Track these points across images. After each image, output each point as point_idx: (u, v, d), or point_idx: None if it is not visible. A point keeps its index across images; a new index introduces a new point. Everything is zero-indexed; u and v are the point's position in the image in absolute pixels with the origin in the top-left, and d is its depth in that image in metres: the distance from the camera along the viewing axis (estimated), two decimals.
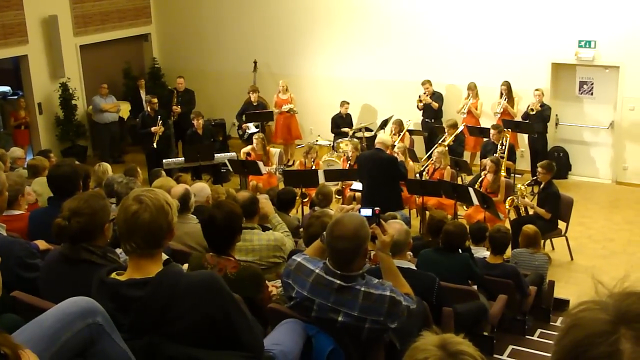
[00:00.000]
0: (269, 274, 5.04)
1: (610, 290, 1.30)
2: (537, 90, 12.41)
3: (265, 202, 6.05)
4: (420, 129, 13.56)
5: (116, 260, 3.45)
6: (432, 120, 13.39)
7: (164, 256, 2.91)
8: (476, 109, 13.15)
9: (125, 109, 15.37)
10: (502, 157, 11.13)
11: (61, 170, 5.31)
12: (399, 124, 12.59)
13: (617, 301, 1.27)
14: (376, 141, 9.63)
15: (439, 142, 12.03)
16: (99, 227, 3.44)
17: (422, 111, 13.52)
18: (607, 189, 12.93)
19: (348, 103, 13.91)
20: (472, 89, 13.13)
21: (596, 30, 12.37)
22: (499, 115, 12.77)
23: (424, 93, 13.32)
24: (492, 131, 11.64)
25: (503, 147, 11.47)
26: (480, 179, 10.50)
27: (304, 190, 10.42)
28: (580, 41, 12.53)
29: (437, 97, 13.36)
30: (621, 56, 12.30)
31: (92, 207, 3.43)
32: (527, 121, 12.34)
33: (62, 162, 6.10)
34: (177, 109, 14.05)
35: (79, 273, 3.31)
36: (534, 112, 12.28)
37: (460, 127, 12.41)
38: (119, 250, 3.62)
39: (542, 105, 12.36)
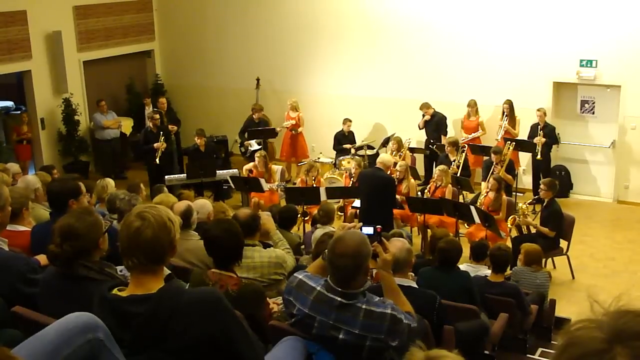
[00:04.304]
0: (270, 291, 5.03)
1: (606, 308, 1.30)
2: (539, 110, 12.43)
3: (266, 219, 6.05)
4: (422, 147, 13.56)
5: (114, 275, 3.43)
6: (433, 141, 13.34)
7: (166, 271, 2.91)
8: (478, 127, 13.17)
9: (127, 125, 15.41)
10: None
11: (52, 185, 5.36)
12: (399, 142, 12.60)
13: (612, 319, 1.27)
14: (377, 160, 9.64)
15: (452, 165, 11.86)
16: (92, 244, 3.43)
17: (424, 129, 13.53)
18: (608, 207, 12.93)
19: (350, 120, 13.92)
20: (472, 106, 13.15)
21: (597, 49, 12.43)
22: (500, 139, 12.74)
23: (423, 116, 13.34)
24: (493, 156, 11.54)
25: (504, 156, 11.46)
26: (482, 197, 10.50)
27: (305, 208, 10.42)
28: (581, 60, 12.58)
29: (439, 118, 13.36)
30: (622, 75, 12.34)
31: (82, 227, 3.39)
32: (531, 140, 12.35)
33: (59, 177, 6.11)
34: (173, 127, 14.07)
35: (77, 289, 3.31)
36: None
37: (464, 149, 12.33)
38: (120, 267, 3.62)
39: (546, 125, 12.38)
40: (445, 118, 13.43)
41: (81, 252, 3.37)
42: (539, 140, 12.23)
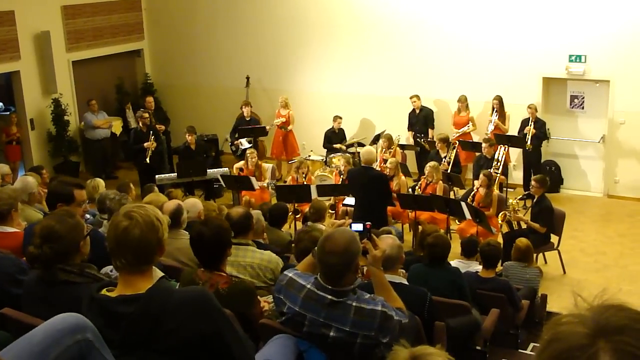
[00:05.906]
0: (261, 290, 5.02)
1: (589, 303, 1.30)
2: (529, 107, 12.43)
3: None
4: (412, 144, 13.57)
5: (95, 275, 3.40)
6: (422, 135, 13.44)
7: (160, 273, 2.89)
8: (469, 123, 13.19)
9: (117, 125, 15.37)
10: (497, 173, 11.15)
11: (50, 184, 5.33)
12: (389, 139, 12.60)
13: (595, 314, 1.27)
14: (362, 159, 9.60)
15: (443, 161, 11.90)
16: (73, 247, 3.38)
17: (412, 124, 13.58)
18: (598, 202, 12.97)
19: (341, 118, 13.92)
20: (462, 101, 13.17)
21: (586, 44, 12.46)
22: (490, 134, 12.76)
23: (414, 103, 13.43)
24: (483, 144, 11.66)
25: (498, 163, 11.49)
26: (473, 193, 10.52)
27: (296, 206, 10.41)
28: (570, 56, 12.61)
29: (426, 112, 13.42)
30: (611, 70, 12.38)
31: (62, 230, 3.35)
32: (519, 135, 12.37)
33: (63, 179, 5.95)
34: (161, 126, 14.06)
35: (59, 294, 3.28)
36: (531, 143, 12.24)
37: (455, 145, 12.33)
38: (109, 267, 3.60)
39: (537, 120, 12.39)
40: (432, 112, 13.49)
41: (61, 254, 3.33)
42: (529, 129, 12.23)
